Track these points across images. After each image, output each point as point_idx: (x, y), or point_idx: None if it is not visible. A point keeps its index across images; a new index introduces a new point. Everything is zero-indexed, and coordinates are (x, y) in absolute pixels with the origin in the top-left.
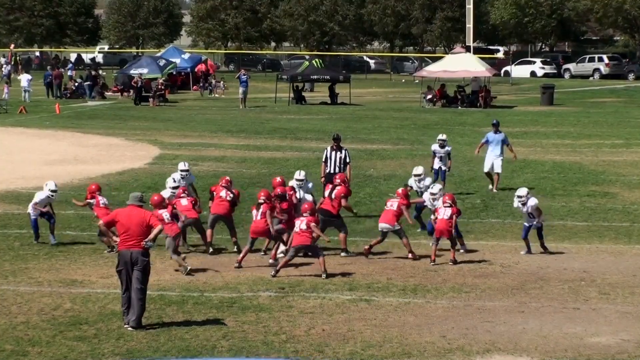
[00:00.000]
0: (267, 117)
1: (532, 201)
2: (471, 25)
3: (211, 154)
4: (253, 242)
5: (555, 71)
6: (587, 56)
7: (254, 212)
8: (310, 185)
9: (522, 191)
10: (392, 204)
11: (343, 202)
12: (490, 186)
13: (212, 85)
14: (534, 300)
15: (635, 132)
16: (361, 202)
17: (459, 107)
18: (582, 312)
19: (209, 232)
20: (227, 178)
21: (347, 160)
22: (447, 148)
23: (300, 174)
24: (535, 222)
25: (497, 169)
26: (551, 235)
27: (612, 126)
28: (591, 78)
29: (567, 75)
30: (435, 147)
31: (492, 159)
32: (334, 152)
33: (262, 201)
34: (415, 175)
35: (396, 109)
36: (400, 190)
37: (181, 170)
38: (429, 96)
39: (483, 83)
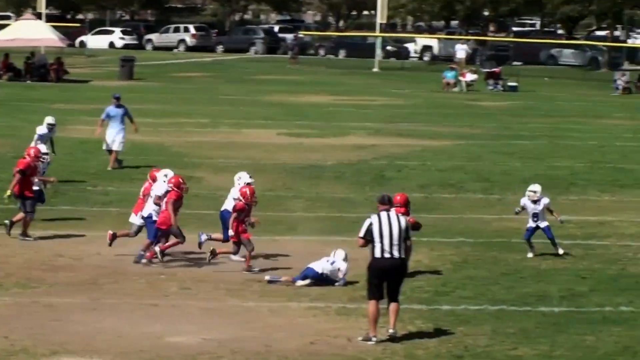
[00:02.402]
0: None
1: (546, 200)
2: None
3: None
4: None
5: (137, 42)
6: (172, 26)
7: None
8: None
9: (537, 187)
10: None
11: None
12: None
13: None
14: (108, 297)
15: (224, 111)
16: None
17: (28, 81)
18: (162, 309)
19: None
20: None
21: None
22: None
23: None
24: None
25: (117, 146)
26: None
27: (199, 103)
28: (176, 50)
29: (149, 47)
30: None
31: (114, 135)
32: None
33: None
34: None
35: None
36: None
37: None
38: None
39: (45, 56)
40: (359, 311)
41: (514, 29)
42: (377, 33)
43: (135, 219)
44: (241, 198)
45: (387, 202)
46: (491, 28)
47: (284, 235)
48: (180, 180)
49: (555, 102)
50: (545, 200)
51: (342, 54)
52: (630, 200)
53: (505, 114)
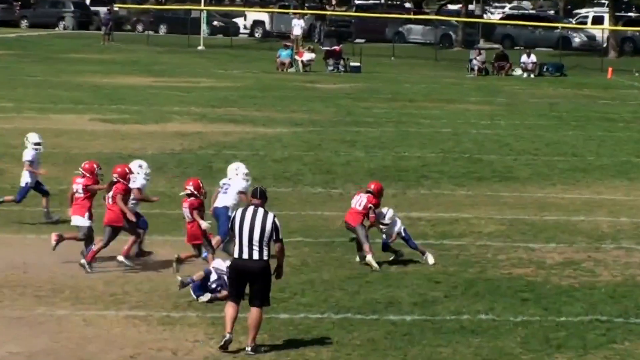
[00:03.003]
0: None
1: (398, 224)
2: None
3: None
4: None
5: None
6: None
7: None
8: None
9: (387, 217)
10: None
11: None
12: None
13: None
14: None
15: (29, 94)
16: None
17: None
18: None
19: None
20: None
21: None
22: None
23: None
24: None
25: None
26: None
27: (2, 86)
28: None
29: None
30: None
31: None
32: None
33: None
34: None
35: None
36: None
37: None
38: None
39: None
40: (185, 320)
41: (357, 2)
42: (202, 6)
43: (79, 221)
44: (197, 193)
45: (258, 196)
46: (332, 1)
47: (97, 235)
48: (127, 170)
49: (403, 84)
50: (396, 229)
51: (162, 29)
52: (488, 195)
53: (347, 98)
